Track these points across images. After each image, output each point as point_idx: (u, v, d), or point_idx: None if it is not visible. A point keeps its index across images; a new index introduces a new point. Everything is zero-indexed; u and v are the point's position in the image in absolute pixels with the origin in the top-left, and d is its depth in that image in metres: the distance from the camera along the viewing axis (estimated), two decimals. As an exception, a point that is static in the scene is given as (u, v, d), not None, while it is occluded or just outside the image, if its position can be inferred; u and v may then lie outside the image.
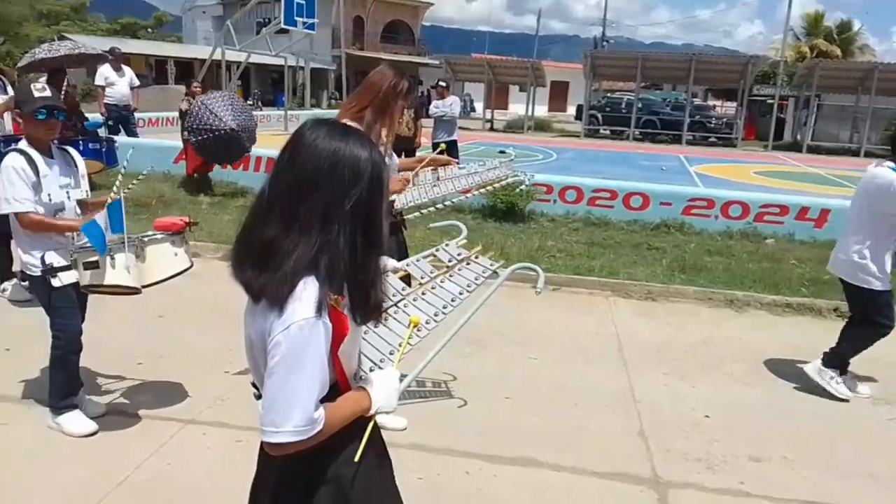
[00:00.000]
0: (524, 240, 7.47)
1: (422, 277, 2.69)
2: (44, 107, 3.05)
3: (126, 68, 11.05)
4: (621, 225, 8.35)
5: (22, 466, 3.04)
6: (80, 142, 5.27)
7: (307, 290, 1.37)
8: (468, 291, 2.60)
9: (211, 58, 18.99)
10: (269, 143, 15.14)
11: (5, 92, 5.05)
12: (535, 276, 2.66)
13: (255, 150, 9.88)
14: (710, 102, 34.29)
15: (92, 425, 3.32)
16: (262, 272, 1.39)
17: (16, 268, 5.01)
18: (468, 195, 3.67)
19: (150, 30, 48.27)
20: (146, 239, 3.09)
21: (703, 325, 5.54)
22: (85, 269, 2.93)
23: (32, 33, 35.82)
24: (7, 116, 4.97)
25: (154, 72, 34.85)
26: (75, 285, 3.10)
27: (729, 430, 3.77)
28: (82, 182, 3.31)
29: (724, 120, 28.04)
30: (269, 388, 1.38)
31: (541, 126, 29.85)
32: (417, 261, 2.89)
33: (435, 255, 2.80)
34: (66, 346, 3.23)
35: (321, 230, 1.39)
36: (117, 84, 10.86)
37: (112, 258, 2.90)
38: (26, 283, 5.25)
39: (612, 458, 3.40)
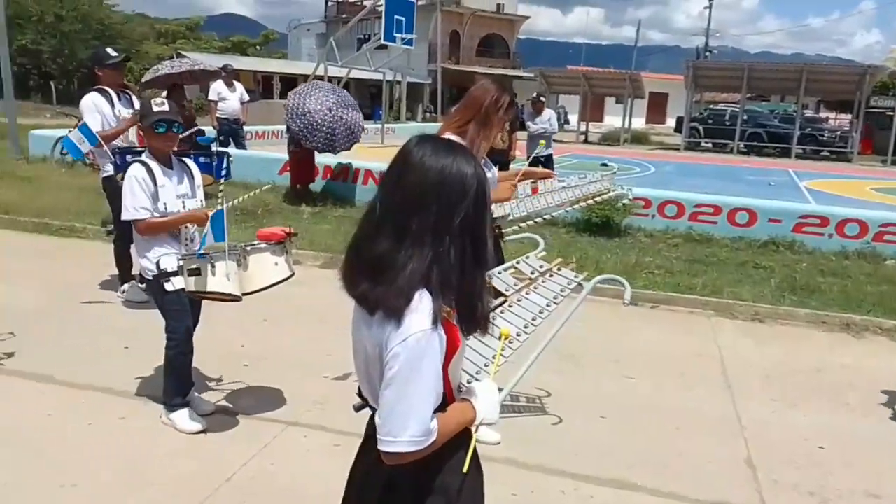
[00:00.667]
0: (620, 255, 7.28)
1: (506, 290, 2.67)
2: (162, 120, 3.26)
3: (237, 84, 11.67)
4: (725, 242, 7.99)
5: (137, 458, 3.23)
6: (192, 155, 5.57)
7: (423, 303, 1.40)
8: (555, 303, 2.56)
9: (314, 73, 19.74)
10: (367, 155, 15.51)
11: (132, 106, 5.43)
12: (622, 289, 2.58)
13: (355, 163, 10.21)
14: (823, 114, 32.37)
15: (201, 423, 3.49)
16: (377, 285, 1.43)
17: (135, 271, 5.37)
18: (567, 209, 3.62)
19: (258, 47, 50.93)
20: (248, 248, 3.22)
21: (817, 349, 5.20)
22: (188, 275, 3.09)
23: (152, 51, 38.61)
24: (133, 129, 5.34)
25: (261, 87, 36.63)
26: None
27: (844, 464, 3.51)
28: (198, 192, 3.50)
29: (838, 133, 26.38)
30: (386, 399, 1.41)
31: (638, 138, 29.15)
32: (499, 273, 2.88)
33: (516, 268, 2.77)
34: (178, 346, 3.42)
35: (432, 244, 1.42)
36: (229, 99, 11.48)
37: (213, 266, 3.04)
38: (144, 285, 5.64)
39: (715, 487, 3.23)
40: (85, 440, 3.37)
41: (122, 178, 3.32)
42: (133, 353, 4.44)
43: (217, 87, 11.37)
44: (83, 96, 5.38)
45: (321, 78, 19.75)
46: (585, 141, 28.04)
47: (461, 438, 1.58)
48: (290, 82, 35.45)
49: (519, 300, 2.57)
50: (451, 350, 1.49)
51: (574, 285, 2.62)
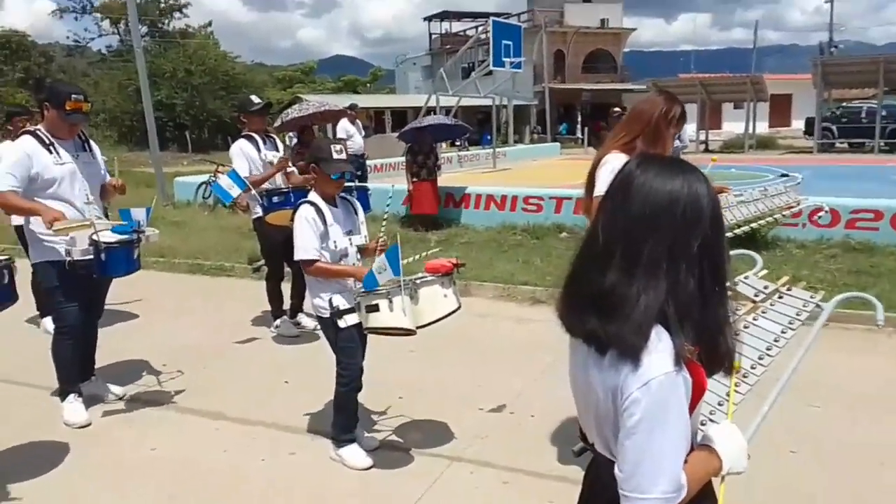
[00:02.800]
0: (772, 269, 6.74)
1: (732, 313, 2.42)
2: (339, 169, 3.36)
3: (358, 121, 12.13)
4: (890, 250, 7.24)
5: (310, 497, 3.26)
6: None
7: (662, 341, 1.28)
8: (791, 329, 2.30)
9: (426, 104, 20.14)
10: (481, 180, 15.53)
11: (276, 149, 5.67)
12: (866, 305, 2.28)
13: (473, 189, 10.24)
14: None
15: (369, 460, 3.49)
16: (608, 322, 1.31)
17: (307, 307, 5.53)
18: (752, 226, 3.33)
19: (367, 84, 52.92)
20: (419, 281, 3.21)
21: None
22: (367, 311, 3.12)
23: (272, 96, 40.99)
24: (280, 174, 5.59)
25: (374, 122, 37.91)
26: (359, 326, 3.30)
27: None
28: (362, 228, 3.55)
29: None
30: (629, 450, 1.28)
31: (763, 144, 27.50)
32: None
33: (735, 290, 2.52)
34: (350, 383, 3.44)
35: (667, 274, 1.29)
36: (355, 136, 11.90)
37: (391, 301, 3.05)
38: (299, 323, 5.83)
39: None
40: (261, 476, 3.44)
41: (290, 220, 3.40)
42: (294, 388, 4.56)
43: (345, 126, 11.82)
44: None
45: (432, 110, 20.17)
46: (706, 150, 26.77)
47: (705, 490, 1.45)
48: (400, 115, 36.51)
49: (745, 327, 2.34)
50: (696, 394, 1.35)
51: (811, 307, 2.35)
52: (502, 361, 4.94)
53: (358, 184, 6.11)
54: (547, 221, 9.22)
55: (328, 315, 3.34)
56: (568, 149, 30.18)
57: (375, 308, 3.09)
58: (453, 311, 3.28)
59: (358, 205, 3.59)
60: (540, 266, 7.30)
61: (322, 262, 3.31)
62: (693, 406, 1.35)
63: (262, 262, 6.76)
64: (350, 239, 3.44)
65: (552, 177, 15.94)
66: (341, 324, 3.30)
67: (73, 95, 3.87)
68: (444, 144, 16.66)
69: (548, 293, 6.34)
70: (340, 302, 3.30)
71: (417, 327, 3.18)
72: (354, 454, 3.50)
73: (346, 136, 11.82)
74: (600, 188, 2.86)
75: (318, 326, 3.99)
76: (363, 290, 3.18)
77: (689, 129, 33.52)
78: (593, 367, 1.36)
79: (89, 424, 4.04)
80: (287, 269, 5.87)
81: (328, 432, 3.65)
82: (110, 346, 4.88)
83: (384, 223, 3.81)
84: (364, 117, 35.55)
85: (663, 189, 1.32)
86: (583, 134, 32.59)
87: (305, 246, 3.29)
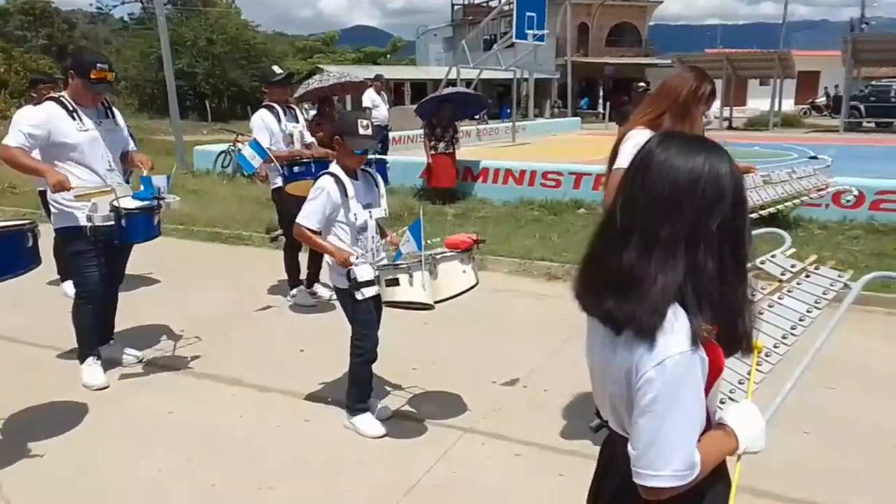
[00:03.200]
0: (797, 250, 6.66)
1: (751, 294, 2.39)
2: (364, 146, 3.37)
3: (383, 92, 12.05)
4: (916, 232, 7.11)
5: (326, 464, 3.30)
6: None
7: (679, 321, 1.27)
8: (817, 308, 2.26)
9: (447, 77, 19.96)
10: (499, 155, 15.40)
11: (297, 121, 5.66)
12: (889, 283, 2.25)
13: (491, 163, 10.18)
14: None
15: (382, 429, 3.53)
16: (625, 301, 1.30)
17: (323, 277, 5.56)
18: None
19: (387, 56, 52.49)
20: (438, 256, 3.21)
21: None
22: (386, 285, 3.14)
23: (292, 66, 40.82)
24: (297, 143, 5.57)
25: (393, 94, 37.67)
26: (376, 298, 3.31)
27: None
28: (382, 202, 3.55)
29: None
30: (643, 429, 1.28)
31: (789, 122, 26.96)
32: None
33: (760, 269, 2.48)
34: (365, 354, 3.46)
35: (686, 254, 1.28)
36: (381, 107, 11.83)
37: (411, 276, 3.07)
38: (315, 293, 5.87)
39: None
40: (276, 443, 3.49)
41: (309, 187, 3.40)
42: (310, 357, 4.60)
43: (371, 96, 11.75)
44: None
45: (453, 82, 19.97)
46: (730, 127, 26.34)
47: (719, 469, 1.44)
48: (419, 88, 36.25)
49: (770, 306, 2.31)
50: (713, 374, 1.35)
51: (839, 286, 2.31)
52: (517, 337, 4.95)
53: (377, 156, 6.06)
54: (565, 197, 9.17)
55: (346, 286, 3.35)
56: (589, 124, 29.83)
57: (395, 282, 3.11)
58: (471, 287, 3.29)
59: (379, 178, 3.58)
60: (557, 242, 7.28)
61: (310, 231, 3.32)
62: (709, 386, 1.35)
63: (280, 231, 6.79)
64: (370, 212, 3.44)
65: (572, 152, 15.79)
66: (359, 296, 3.31)
67: (99, 65, 3.87)
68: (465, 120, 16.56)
69: (564, 269, 6.33)
70: (359, 274, 3.31)
71: (435, 302, 3.19)
72: (368, 423, 3.53)
73: (371, 106, 11.76)
74: (621, 162, 2.83)
75: (335, 297, 4.02)
76: (382, 265, 3.19)
77: (713, 105, 33.03)
78: (609, 347, 1.36)
79: (107, 387, 4.12)
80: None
81: (342, 401, 3.69)
82: (130, 311, 4.95)
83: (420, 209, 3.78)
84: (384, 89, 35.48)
85: (684, 167, 1.30)
86: (604, 109, 32.14)
87: (310, 213, 3.31)
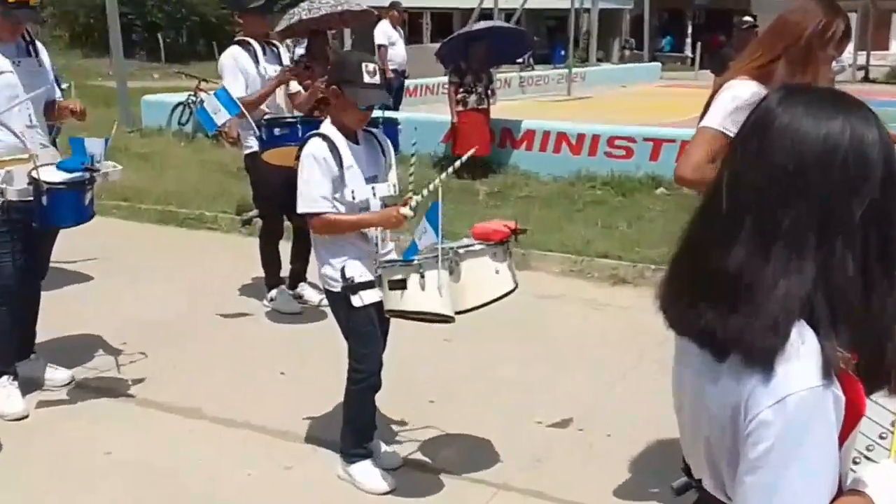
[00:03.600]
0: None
1: None
2: (371, 100, 3.36)
3: (398, 27, 11.97)
4: None
5: (313, 524, 3.33)
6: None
7: (806, 344, 1.25)
8: None
9: (480, 6, 19.89)
10: (550, 112, 15.23)
11: (279, 62, 5.65)
12: None
13: (537, 124, 10.17)
14: None
15: (388, 482, 3.55)
16: (732, 315, 1.28)
17: (312, 275, 5.59)
18: None
19: (399, -24, 52.41)
20: (462, 251, 3.20)
21: None
22: (390, 288, 3.13)
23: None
24: (280, 92, 5.57)
25: (407, 27, 37.61)
26: (378, 305, 3.31)
27: None
28: (390, 174, 3.55)
29: None
30: (753, 491, 1.26)
31: (945, 73, 26.53)
32: None
33: None
34: (366, 380, 3.47)
35: (818, 250, 1.26)
36: (398, 44, 11.79)
37: (422, 276, 3.06)
38: (301, 295, 5.89)
39: None
40: (248, 496, 3.52)
41: (295, 159, 3.40)
42: (291, 382, 4.63)
43: (385, 30, 11.61)
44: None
45: (488, 13, 19.90)
46: (866, 78, 25.93)
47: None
48: (443, 21, 36.13)
49: None
50: (850, 419, 1.32)
51: None
52: (570, 360, 4.94)
53: (386, 114, 6.03)
54: (638, 171, 9.13)
55: (339, 289, 3.36)
56: (672, 71, 29.67)
57: (402, 285, 3.10)
58: (507, 293, 3.29)
59: (387, 143, 3.59)
60: (626, 233, 7.24)
61: (332, 213, 3.32)
62: (845, 435, 1.32)
63: (255, 212, 6.81)
64: (374, 188, 3.43)
65: (648, 110, 15.70)
66: (355, 301, 3.32)
67: None
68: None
69: (635, 270, 6.30)
70: (356, 272, 3.31)
71: (457, 313, 3.19)
72: (369, 474, 3.54)
73: (386, 43, 11.70)
74: (712, 119, 2.80)
75: (326, 301, 4.04)
76: (387, 260, 3.18)
77: (846, 49, 32.62)
78: (707, 377, 1.35)
79: (26, 416, 4.18)
80: (287, 224, 5.92)
81: (336, 443, 3.70)
82: (55, 315, 5.00)
83: (412, 169, 3.78)
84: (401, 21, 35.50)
85: (816, 133, 1.27)
86: (693, 52, 31.85)
87: (312, 194, 3.29)
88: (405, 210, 3.29)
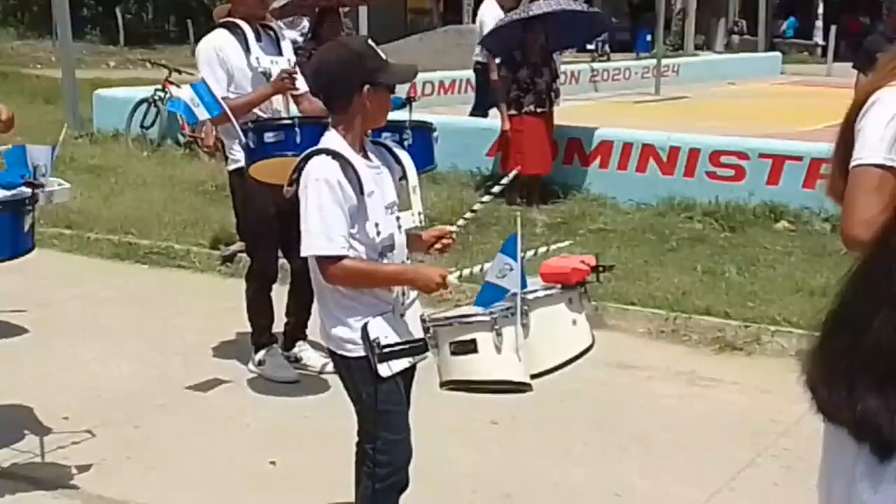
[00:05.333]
0: None
1: None
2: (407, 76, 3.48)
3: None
4: None
5: None
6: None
7: None
8: None
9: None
10: (628, 118, 15.15)
11: (278, 52, 5.71)
12: None
13: (615, 133, 10.24)
14: None
15: None
16: None
17: (312, 332, 5.60)
18: None
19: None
20: (531, 297, 3.26)
21: None
22: (453, 353, 3.19)
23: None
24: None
25: (442, 5, 38.07)
26: (404, 375, 3.35)
27: None
28: (413, 201, 3.58)
29: None
30: None
31: None
32: None
33: None
34: (392, 475, 3.46)
35: None
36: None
37: (499, 334, 3.12)
38: (299, 358, 5.91)
39: None
40: None
41: (290, 183, 3.44)
42: (287, 475, 4.64)
43: (494, 11, 11.65)
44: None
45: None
46: None
47: None
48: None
49: None
50: None
51: None
52: (660, 457, 4.91)
53: (415, 119, 6.03)
54: (752, 199, 9.14)
55: (360, 355, 3.36)
56: (797, 64, 29.68)
57: (471, 347, 3.17)
58: (585, 352, 3.34)
59: (406, 158, 3.64)
60: (737, 281, 7.24)
61: (351, 260, 3.34)
62: None
63: (240, 245, 6.88)
64: (397, 218, 3.47)
65: (765, 115, 15.71)
66: (383, 371, 3.33)
67: None
68: (567, 52, 16.55)
69: (748, 333, 6.28)
70: (381, 332, 3.32)
71: (447, 381, 3.30)
72: None
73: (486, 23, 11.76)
74: (869, 151, 2.78)
75: (330, 367, 4.04)
76: (440, 316, 3.27)
77: None
78: (866, 480, 1.39)
79: None
80: (283, 262, 5.95)
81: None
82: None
83: (477, 207, 3.81)
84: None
85: None
86: (825, 38, 31.87)
87: (328, 232, 3.28)
88: (452, 279, 3.33)
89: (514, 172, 3.95)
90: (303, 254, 3.34)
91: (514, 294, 3.16)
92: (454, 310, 3.65)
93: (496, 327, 3.15)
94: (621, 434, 5.13)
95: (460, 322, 3.23)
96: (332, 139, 3.43)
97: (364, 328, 3.34)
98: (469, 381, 3.23)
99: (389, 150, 3.64)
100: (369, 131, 3.62)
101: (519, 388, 3.26)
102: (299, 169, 3.41)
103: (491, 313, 3.17)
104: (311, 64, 3.52)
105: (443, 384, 3.31)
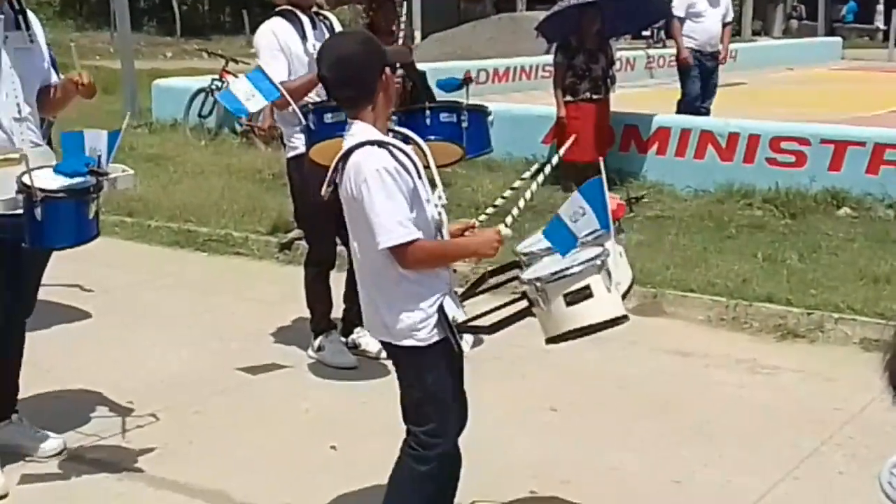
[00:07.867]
0: None
1: None
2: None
3: None
4: None
5: None
6: (429, 113, 5.70)
7: None
8: None
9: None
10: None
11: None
12: None
13: (673, 120, 10.24)
14: None
15: None
16: None
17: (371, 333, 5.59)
18: None
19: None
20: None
21: None
22: (569, 303, 3.22)
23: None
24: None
25: (495, -10, 37.79)
26: (450, 359, 3.40)
27: None
28: (437, 179, 3.64)
29: None
30: None
31: None
32: None
33: None
34: (442, 461, 3.48)
35: None
36: (706, 17, 11.74)
37: (608, 273, 3.23)
38: (358, 345, 5.92)
39: None
40: None
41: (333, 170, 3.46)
42: (347, 459, 4.67)
43: None
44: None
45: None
46: None
47: None
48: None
49: None
50: None
51: None
52: (719, 446, 4.87)
53: (471, 102, 6.01)
54: (813, 186, 9.04)
55: (433, 341, 3.36)
56: (858, 49, 29.18)
57: (587, 293, 3.22)
58: (617, 321, 3.35)
59: (418, 139, 3.73)
60: (798, 268, 7.17)
61: (425, 245, 3.34)
62: None
63: (298, 233, 6.90)
64: (439, 197, 3.51)
65: (825, 101, 15.48)
66: (465, 347, 3.38)
67: None
68: (622, 38, 16.35)
69: (810, 320, 6.22)
70: (453, 310, 3.34)
71: (554, 338, 3.34)
72: None
73: (684, 15, 11.78)
74: None
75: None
76: (545, 273, 3.29)
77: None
78: None
79: (5, 495, 4.26)
80: (341, 249, 5.95)
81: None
82: (43, 365, 5.12)
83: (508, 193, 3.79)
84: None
85: None
86: (887, 23, 31.29)
87: (400, 218, 3.26)
88: (506, 231, 3.38)
89: (567, 145, 4.01)
90: (381, 247, 3.27)
91: (592, 238, 3.29)
92: (527, 253, 3.68)
93: (604, 267, 3.24)
94: (681, 422, 5.10)
95: (567, 272, 3.25)
96: (365, 130, 3.39)
97: (441, 308, 3.36)
98: (583, 329, 3.27)
99: (409, 140, 3.68)
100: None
101: (620, 321, 3.34)
102: (339, 168, 3.39)
103: (597, 256, 3.24)
104: (329, 60, 3.43)
105: (550, 339, 3.35)
